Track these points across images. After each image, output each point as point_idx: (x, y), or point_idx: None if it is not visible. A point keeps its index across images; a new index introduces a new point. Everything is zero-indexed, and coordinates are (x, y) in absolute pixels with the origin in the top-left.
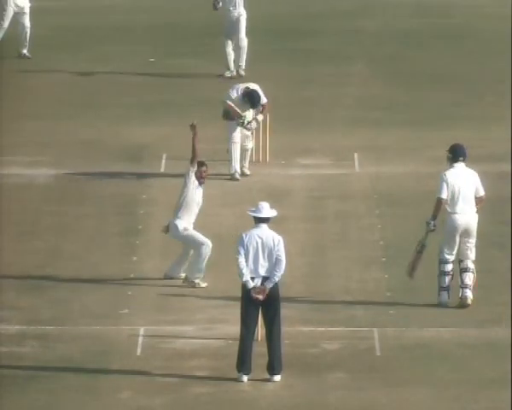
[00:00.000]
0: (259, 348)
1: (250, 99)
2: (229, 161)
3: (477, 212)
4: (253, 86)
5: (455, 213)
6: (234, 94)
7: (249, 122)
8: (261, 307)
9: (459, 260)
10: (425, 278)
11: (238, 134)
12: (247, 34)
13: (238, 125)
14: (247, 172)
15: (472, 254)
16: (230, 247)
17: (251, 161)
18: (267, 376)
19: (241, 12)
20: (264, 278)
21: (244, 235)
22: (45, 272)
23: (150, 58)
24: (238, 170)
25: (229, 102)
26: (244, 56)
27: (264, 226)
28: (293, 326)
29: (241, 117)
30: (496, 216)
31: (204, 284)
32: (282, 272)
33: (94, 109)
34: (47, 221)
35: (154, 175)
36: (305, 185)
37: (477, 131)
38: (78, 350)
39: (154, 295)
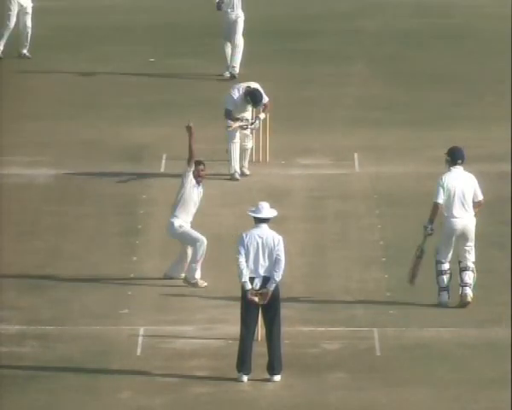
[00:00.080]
0: (259, 348)
1: (252, 98)
2: (229, 161)
3: (475, 215)
4: (254, 85)
5: (452, 216)
6: (236, 94)
7: (253, 123)
8: (261, 307)
9: (458, 261)
10: (425, 278)
11: (237, 134)
12: (247, 35)
13: (243, 129)
14: (247, 172)
15: (471, 256)
16: (230, 247)
17: (251, 161)
18: (267, 376)
19: (238, 14)
20: (265, 278)
21: (244, 235)
22: (45, 272)
23: (150, 58)
24: (238, 170)
25: (232, 115)
26: (239, 57)
27: (264, 226)
28: (293, 326)
29: (243, 125)
30: (496, 216)
31: (204, 284)
32: (281, 271)
33: (94, 109)
34: (47, 221)
35: (154, 175)
36: (305, 185)
37: (477, 131)
38: (78, 350)
39: (153, 295)
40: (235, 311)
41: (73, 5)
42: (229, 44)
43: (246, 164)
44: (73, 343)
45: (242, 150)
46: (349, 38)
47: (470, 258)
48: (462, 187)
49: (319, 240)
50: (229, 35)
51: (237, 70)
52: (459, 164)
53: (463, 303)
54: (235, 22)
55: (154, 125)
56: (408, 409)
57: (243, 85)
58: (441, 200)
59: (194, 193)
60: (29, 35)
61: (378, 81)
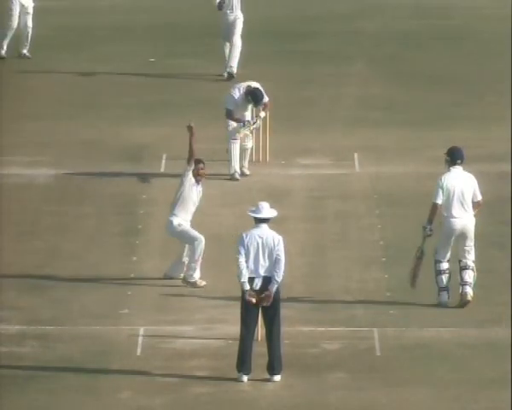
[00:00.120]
0: (259, 348)
1: (253, 97)
2: (229, 160)
3: (475, 216)
4: (255, 85)
5: (451, 217)
6: (236, 94)
7: (254, 122)
8: (261, 306)
9: (458, 260)
10: (425, 278)
11: (238, 134)
12: (247, 36)
13: (246, 130)
14: (247, 172)
15: (471, 255)
16: (230, 247)
17: (251, 161)
18: (267, 376)
19: (237, 15)
20: (265, 278)
21: (244, 235)
22: (45, 272)
23: (150, 58)
24: (238, 170)
25: (233, 116)
26: (237, 57)
27: (264, 226)
28: (293, 326)
29: (245, 126)
30: (496, 216)
31: (203, 283)
32: (282, 271)
33: (94, 109)
34: (47, 221)
35: (154, 175)
36: (305, 185)
37: (477, 131)
38: (78, 350)
39: (153, 295)
40: (235, 311)
41: (74, 5)
42: (228, 45)
43: (246, 164)
44: (73, 343)
45: (242, 150)
46: (349, 38)
47: (470, 257)
48: (461, 187)
49: (319, 240)
50: (227, 36)
51: (235, 70)
52: (458, 164)
53: (463, 302)
54: (233, 23)
55: (154, 125)
56: (408, 409)
57: (244, 85)
58: (440, 200)
59: (193, 192)
60: (29, 35)
61: (378, 81)
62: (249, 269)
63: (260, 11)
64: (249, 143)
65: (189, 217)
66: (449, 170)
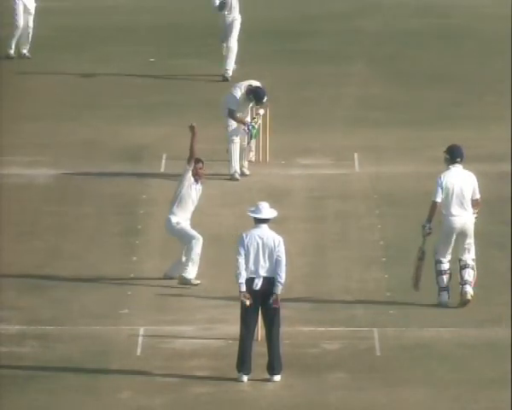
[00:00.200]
0: (259, 348)
1: (255, 96)
2: (229, 161)
3: (476, 217)
4: (255, 83)
5: (451, 215)
6: (238, 93)
7: (256, 122)
8: (261, 307)
9: (458, 260)
10: (425, 278)
11: (238, 134)
12: (247, 35)
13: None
14: (247, 171)
15: (471, 253)
16: (230, 247)
17: (251, 161)
18: (267, 376)
19: (235, 16)
20: (265, 279)
21: (244, 235)
22: (45, 272)
23: (151, 58)
24: (238, 170)
25: (235, 116)
26: (232, 60)
27: (264, 227)
28: (293, 326)
29: (248, 126)
30: (496, 216)
31: (197, 282)
32: (284, 273)
33: (95, 109)
34: (46, 221)
35: (154, 175)
36: (305, 185)
37: (477, 130)
38: (78, 350)
39: (153, 295)
40: (235, 311)
41: (76, 6)
42: (225, 47)
43: (245, 164)
44: (73, 343)
45: (242, 149)
46: (349, 38)
47: (470, 256)
48: (460, 185)
49: (319, 240)
50: (225, 37)
51: (230, 73)
52: (458, 162)
53: (464, 301)
54: (231, 25)
55: (154, 125)
56: (408, 409)
57: (244, 84)
58: (439, 198)
59: (192, 191)
60: (30, 35)
61: (378, 81)
62: (249, 269)
63: (260, 11)
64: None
65: (188, 216)
66: (448, 168)
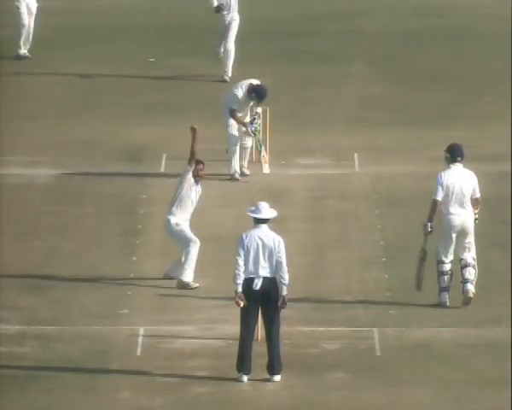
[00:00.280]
0: (259, 348)
1: (257, 94)
2: (229, 161)
3: (477, 219)
4: (256, 82)
5: (450, 213)
6: (239, 93)
7: (257, 122)
8: (261, 307)
9: (459, 259)
10: (425, 278)
11: (237, 134)
12: (247, 35)
13: (249, 132)
14: (247, 171)
15: (471, 252)
16: (230, 247)
17: (250, 161)
18: (267, 376)
19: (234, 16)
20: (265, 279)
21: (244, 236)
22: (45, 272)
23: (150, 58)
24: (238, 170)
25: (236, 116)
26: (230, 61)
27: (264, 227)
28: (293, 326)
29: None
30: (496, 216)
31: (195, 285)
32: (287, 273)
33: (94, 109)
34: (46, 221)
35: (154, 175)
36: (305, 185)
37: (477, 130)
38: (78, 350)
39: (153, 295)
40: (235, 311)
41: (73, 5)
42: (222, 46)
43: (245, 164)
44: (73, 343)
45: (242, 149)
46: (349, 38)
47: (470, 255)
48: (460, 184)
49: (319, 240)
50: (223, 37)
51: (229, 74)
52: (459, 161)
53: (466, 299)
54: (229, 25)
55: (153, 124)
56: (408, 409)
57: (245, 83)
58: (440, 197)
59: (192, 192)
60: (31, 35)
61: (378, 81)
62: (249, 269)
63: (260, 10)
64: (248, 142)
65: (188, 217)
66: (449, 167)
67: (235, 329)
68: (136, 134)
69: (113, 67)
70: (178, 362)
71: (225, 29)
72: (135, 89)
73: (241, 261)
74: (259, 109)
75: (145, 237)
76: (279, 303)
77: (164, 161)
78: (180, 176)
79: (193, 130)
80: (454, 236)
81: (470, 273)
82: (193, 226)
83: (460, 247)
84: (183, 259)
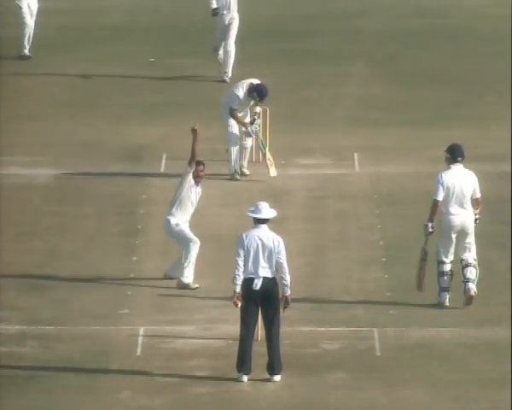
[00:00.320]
0: (259, 348)
1: (259, 93)
2: (229, 161)
3: (478, 219)
4: (256, 81)
5: (450, 213)
6: (240, 92)
7: (256, 122)
8: (261, 307)
9: (460, 259)
10: (425, 278)
11: (237, 134)
12: (247, 35)
13: (249, 132)
14: (247, 171)
15: (472, 252)
16: (230, 247)
17: (250, 161)
18: (267, 376)
19: (233, 16)
20: (265, 279)
21: (244, 236)
22: (45, 272)
23: (150, 58)
24: (238, 170)
25: (236, 116)
26: (231, 62)
27: (263, 227)
28: (293, 326)
29: (248, 126)
30: (496, 216)
31: (195, 286)
32: (288, 273)
33: (94, 109)
34: (46, 221)
35: (154, 175)
36: (305, 185)
37: (477, 130)
38: (78, 350)
39: (153, 295)
40: (235, 311)
41: (74, 5)
42: (221, 46)
43: (245, 163)
44: (73, 343)
45: (242, 149)
46: (349, 38)
47: (471, 255)
48: (460, 184)
49: (319, 240)
50: (223, 37)
51: (229, 74)
52: (459, 161)
53: (468, 298)
54: (229, 25)
55: (153, 124)
56: (408, 409)
57: (246, 82)
58: (440, 197)
59: (192, 193)
60: (31, 35)
61: (378, 81)
62: (249, 270)
63: (260, 10)
64: (248, 142)
65: (188, 218)
66: (449, 167)
67: (235, 329)
68: (136, 134)
69: (113, 67)
70: (178, 362)
71: (224, 29)
72: (135, 89)
73: (240, 261)
74: (259, 109)
75: (145, 237)
76: (282, 303)
77: (164, 161)
78: (180, 176)
79: (194, 131)
80: (454, 236)
81: (471, 273)
82: (193, 226)
83: (460, 247)
84: (182, 259)
